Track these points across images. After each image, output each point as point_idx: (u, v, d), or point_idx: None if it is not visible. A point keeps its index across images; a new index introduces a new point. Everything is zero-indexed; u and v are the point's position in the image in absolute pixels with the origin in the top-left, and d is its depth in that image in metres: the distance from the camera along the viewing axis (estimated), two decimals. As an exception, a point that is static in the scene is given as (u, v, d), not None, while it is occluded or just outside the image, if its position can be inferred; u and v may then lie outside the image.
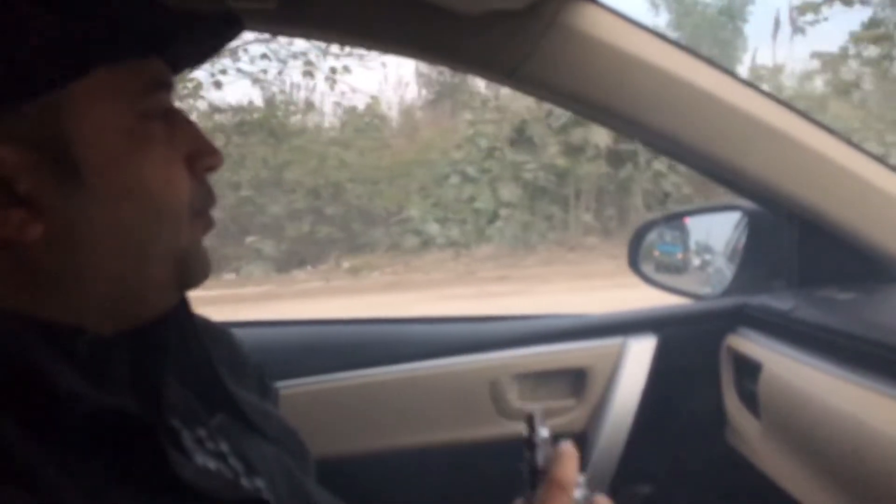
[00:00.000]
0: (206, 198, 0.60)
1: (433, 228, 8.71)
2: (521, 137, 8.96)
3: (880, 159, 1.11)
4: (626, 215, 8.87)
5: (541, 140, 8.83)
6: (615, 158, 8.74)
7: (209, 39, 0.62)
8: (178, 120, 0.59)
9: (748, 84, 1.09)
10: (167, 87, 0.58)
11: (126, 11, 0.54)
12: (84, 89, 0.53)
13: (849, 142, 1.10)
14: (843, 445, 0.88)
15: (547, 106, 8.12)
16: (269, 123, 8.97)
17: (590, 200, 8.97)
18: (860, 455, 0.85)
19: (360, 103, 9.70)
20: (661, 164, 8.59)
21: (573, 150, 8.73)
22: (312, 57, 8.39)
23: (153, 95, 0.56)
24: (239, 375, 0.70)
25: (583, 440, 1.27)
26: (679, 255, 1.44)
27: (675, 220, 1.54)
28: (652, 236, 1.40)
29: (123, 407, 0.51)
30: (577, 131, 8.55)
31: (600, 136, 8.46)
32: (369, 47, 1.14)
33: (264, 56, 8.34)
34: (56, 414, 0.49)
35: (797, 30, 9.84)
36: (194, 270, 0.59)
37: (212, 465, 0.60)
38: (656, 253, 1.42)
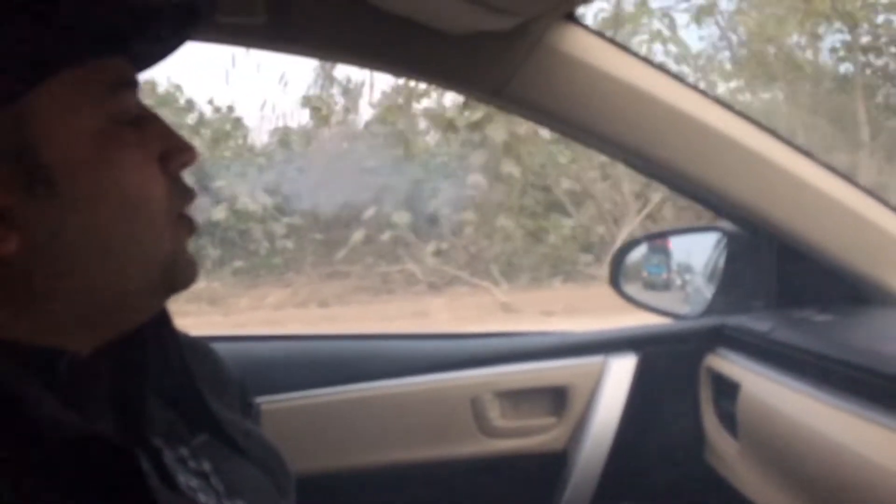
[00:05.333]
0: (184, 196, 0.58)
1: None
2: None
3: (857, 183, 1.13)
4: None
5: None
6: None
7: (172, 34, 0.60)
8: (147, 119, 0.57)
9: (729, 107, 1.11)
10: (132, 85, 0.57)
11: (82, 11, 0.52)
12: (47, 95, 0.51)
13: (827, 166, 1.12)
14: (820, 466, 0.89)
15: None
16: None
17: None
18: (837, 476, 0.85)
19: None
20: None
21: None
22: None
23: (119, 95, 0.55)
24: (221, 392, 0.69)
25: (563, 458, 1.27)
26: (664, 276, 1.45)
27: (656, 240, 1.56)
28: (634, 256, 1.42)
29: (103, 433, 0.50)
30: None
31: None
32: (357, 64, 1.15)
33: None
34: (35, 443, 0.48)
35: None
36: (180, 275, 0.58)
37: (194, 483, 0.59)
38: (644, 274, 1.44)
